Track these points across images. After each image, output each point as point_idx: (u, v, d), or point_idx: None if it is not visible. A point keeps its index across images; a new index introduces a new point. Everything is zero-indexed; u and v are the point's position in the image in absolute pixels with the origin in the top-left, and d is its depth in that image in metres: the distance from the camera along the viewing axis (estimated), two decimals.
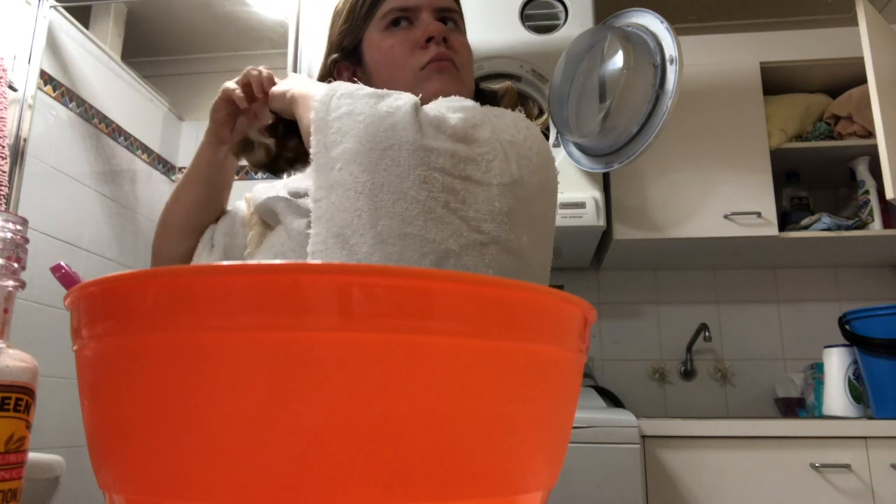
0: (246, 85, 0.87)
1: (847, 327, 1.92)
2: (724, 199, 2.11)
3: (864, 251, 2.28)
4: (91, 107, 2.21)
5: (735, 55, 2.22)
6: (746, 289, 2.46)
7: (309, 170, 0.81)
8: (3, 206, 1.77)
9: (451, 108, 0.73)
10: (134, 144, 2.45)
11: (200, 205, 0.94)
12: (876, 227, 2.13)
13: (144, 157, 2.51)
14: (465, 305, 0.30)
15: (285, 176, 0.95)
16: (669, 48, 1.70)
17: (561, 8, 1.98)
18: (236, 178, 1.00)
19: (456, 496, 0.29)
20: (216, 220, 0.96)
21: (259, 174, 2.65)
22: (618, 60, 1.73)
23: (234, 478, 0.28)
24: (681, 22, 2.50)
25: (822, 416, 2.00)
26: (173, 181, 2.70)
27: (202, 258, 0.93)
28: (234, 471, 0.28)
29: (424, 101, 0.75)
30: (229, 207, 0.98)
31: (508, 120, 0.77)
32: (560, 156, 1.98)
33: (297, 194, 0.84)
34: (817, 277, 2.45)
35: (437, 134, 0.70)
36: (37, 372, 0.48)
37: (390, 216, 0.66)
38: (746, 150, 2.15)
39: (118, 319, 0.31)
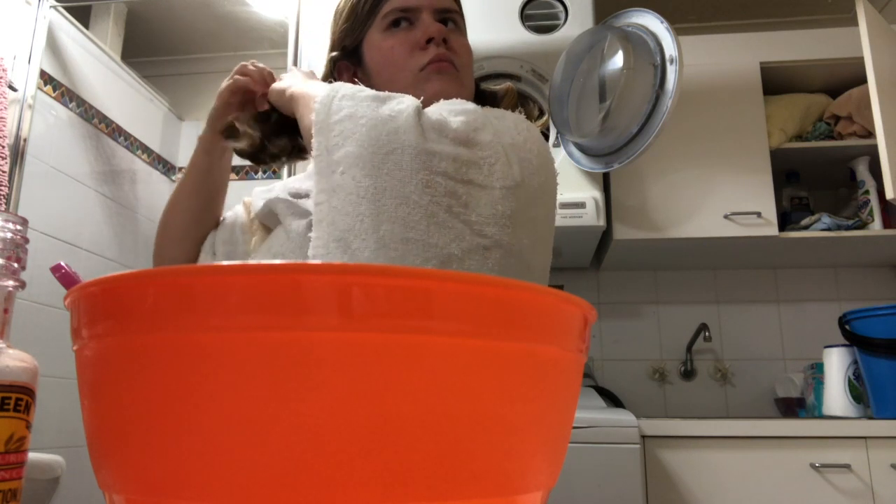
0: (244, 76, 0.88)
1: (847, 327, 1.92)
2: (724, 199, 2.11)
3: (864, 251, 2.28)
4: (91, 107, 2.21)
5: (735, 55, 2.22)
6: (746, 289, 2.46)
7: (309, 171, 0.81)
8: (3, 206, 1.77)
9: (453, 112, 0.73)
10: (134, 144, 2.45)
11: (197, 213, 0.94)
12: (876, 227, 2.13)
13: (144, 157, 2.51)
14: (465, 305, 0.30)
15: (281, 177, 0.95)
16: (669, 48, 1.70)
17: (561, 8, 1.98)
18: (235, 177, 1.00)
19: (456, 496, 0.29)
20: (216, 227, 0.96)
21: (259, 174, 2.65)
22: (618, 60, 1.73)
23: (234, 478, 0.28)
24: (681, 22, 2.50)
25: (822, 416, 2.00)
26: (173, 181, 2.70)
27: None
28: (234, 471, 0.28)
29: (425, 102, 0.75)
30: (228, 212, 0.98)
31: (509, 122, 0.77)
32: (560, 156, 1.98)
33: (298, 195, 0.84)
34: (817, 277, 2.45)
35: (440, 138, 0.69)
36: (37, 372, 0.48)
37: (392, 221, 0.66)
38: (746, 150, 2.15)
39: (118, 319, 0.31)
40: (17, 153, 1.87)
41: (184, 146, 2.75)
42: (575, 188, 1.99)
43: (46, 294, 1.85)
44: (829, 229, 2.11)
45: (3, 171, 1.77)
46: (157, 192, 2.57)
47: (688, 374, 2.40)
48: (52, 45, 2.05)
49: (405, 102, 0.71)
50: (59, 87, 2.07)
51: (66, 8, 2.09)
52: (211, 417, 0.28)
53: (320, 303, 0.28)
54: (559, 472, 0.36)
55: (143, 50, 2.73)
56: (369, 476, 0.28)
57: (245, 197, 0.96)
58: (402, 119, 0.69)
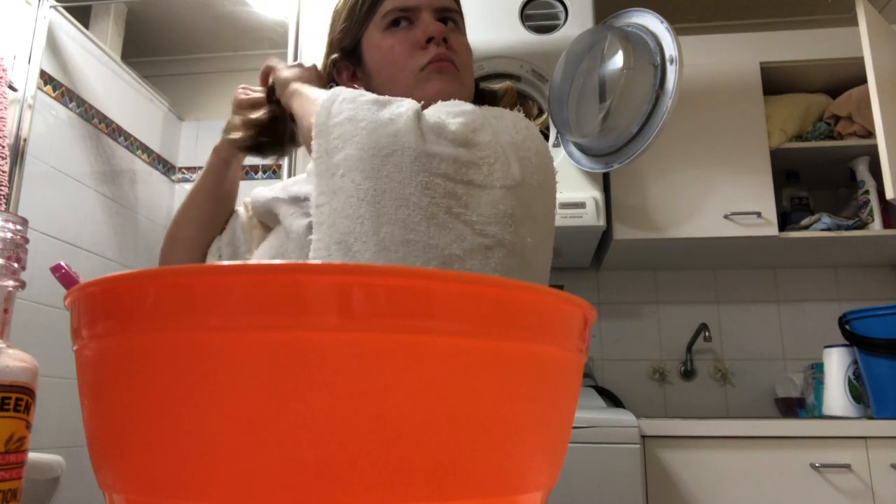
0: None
1: (847, 327, 1.92)
2: (724, 199, 2.11)
3: (864, 251, 2.28)
4: (91, 107, 2.21)
5: (735, 55, 2.22)
6: (746, 289, 2.46)
7: (308, 172, 0.81)
8: (3, 206, 1.77)
9: (451, 114, 0.73)
10: (134, 144, 2.45)
11: (209, 220, 0.96)
12: (876, 227, 2.13)
13: (144, 157, 2.51)
14: (465, 305, 0.29)
15: (281, 178, 0.96)
16: (669, 48, 1.70)
17: (561, 8, 1.98)
18: None
19: (456, 496, 0.29)
20: (221, 232, 0.97)
21: (259, 174, 2.65)
22: (618, 60, 1.73)
23: (234, 478, 0.28)
24: (681, 22, 2.50)
25: (822, 416, 2.00)
26: (173, 181, 2.70)
27: None
28: (234, 471, 0.28)
29: (425, 101, 0.76)
30: None
31: (507, 121, 0.77)
32: (560, 156, 1.98)
33: (297, 199, 0.84)
34: (817, 277, 2.45)
35: (439, 140, 0.70)
36: (37, 372, 0.48)
37: (393, 223, 0.66)
38: (746, 150, 2.15)
39: (118, 319, 0.31)
40: (17, 153, 1.87)
41: (184, 146, 2.75)
42: (575, 188, 1.99)
43: (46, 294, 1.85)
44: (829, 229, 2.11)
45: (3, 171, 1.77)
46: (156, 192, 2.57)
47: (688, 374, 2.40)
48: (52, 45, 2.05)
49: (405, 106, 0.71)
50: (59, 87, 2.07)
51: (66, 8, 2.09)
52: (211, 417, 0.28)
53: (320, 303, 0.28)
54: (559, 472, 0.36)
55: (143, 50, 2.73)
56: (369, 476, 0.28)
57: (245, 197, 0.97)
58: (402, 122, 0.69)
